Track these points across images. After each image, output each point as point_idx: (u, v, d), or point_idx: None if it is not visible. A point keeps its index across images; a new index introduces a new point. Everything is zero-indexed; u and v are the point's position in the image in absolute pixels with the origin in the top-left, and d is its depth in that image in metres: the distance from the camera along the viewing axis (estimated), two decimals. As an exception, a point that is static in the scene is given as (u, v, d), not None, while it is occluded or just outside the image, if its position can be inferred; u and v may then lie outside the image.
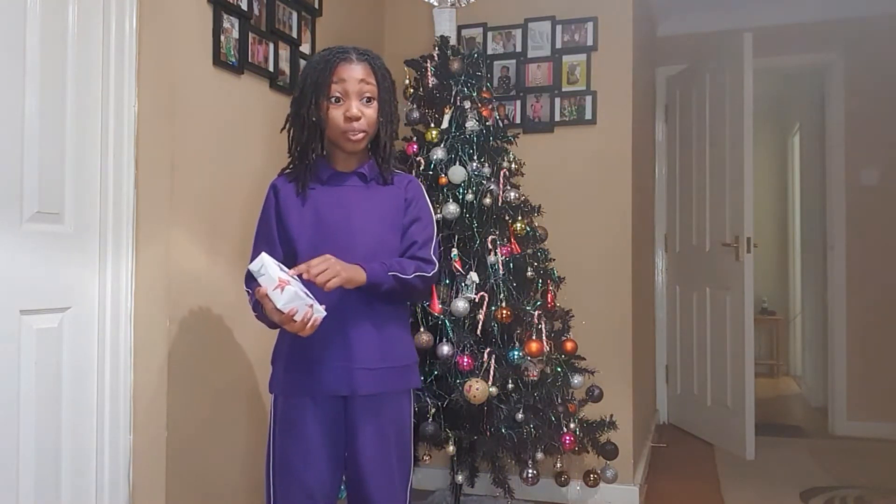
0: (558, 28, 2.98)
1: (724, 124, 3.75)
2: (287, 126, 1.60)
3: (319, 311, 1.41)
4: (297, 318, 1.37)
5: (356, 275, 1.46)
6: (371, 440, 1.55)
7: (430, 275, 1.59)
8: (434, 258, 1.62)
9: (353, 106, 1.51)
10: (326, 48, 1.57)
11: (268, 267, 1.37)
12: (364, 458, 1.55)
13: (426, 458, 2.40)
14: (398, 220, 1.61)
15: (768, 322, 6.16)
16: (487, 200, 2.37)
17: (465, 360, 2.21)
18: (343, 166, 1.61)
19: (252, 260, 1.46)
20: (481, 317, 2.28)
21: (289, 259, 1.55)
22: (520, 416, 2.27)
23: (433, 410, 2.25)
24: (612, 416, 2.50)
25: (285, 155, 2.35)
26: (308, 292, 1.40)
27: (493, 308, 2.30)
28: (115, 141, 1.69)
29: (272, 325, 1.48)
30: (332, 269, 1.41)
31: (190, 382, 1.90)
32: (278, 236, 1.59)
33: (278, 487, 1.57)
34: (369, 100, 1.54)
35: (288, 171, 1.63)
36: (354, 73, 1.52)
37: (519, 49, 3.02)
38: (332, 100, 1.52)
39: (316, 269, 1.40)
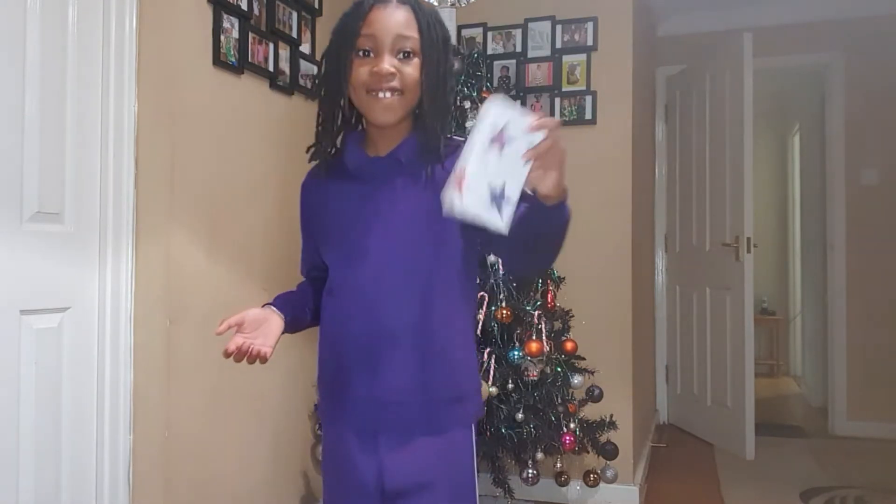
0: (558, 28, 2.98)
1: (724, 124, 3.75)
2: (316, 92, 1.26)
3: None
4: None
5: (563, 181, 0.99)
6: (413, 492, 1.18)
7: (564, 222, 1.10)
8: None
9: (385, 60, 1.15)
10: None
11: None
12: None
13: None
14: (445, 219, 1.09)
15: (768, 322, 6.16)
16: (487, 200, 2.37)
17: (465, 360, 2.21)
18: (377, 150, 1.23)
19: (301, 262, 1.33)
20: (481, 317, 2.28)
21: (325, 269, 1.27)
22: (520, 416, 2.27)
23: (433, 410, 2.25)
24: (612, 416, 2.50)
25: (285, 155, 2.35)
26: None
27: (493, 308, 2.30)
28: (115, 141, 1.69)
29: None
30: (556, 154, 0.94)
31: (190, 382, 1.90)
32: (315, 244, 1.31)
33: None
34: (408, 55, 1.17)
35: (314, 158, 1.28)
36: (390, 21, 1.16)
37: (519, 49, 3.02)
38: (360, 53, 1.17)
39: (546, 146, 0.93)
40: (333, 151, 1.24)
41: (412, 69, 1.17)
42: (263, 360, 1.15)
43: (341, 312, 1.21)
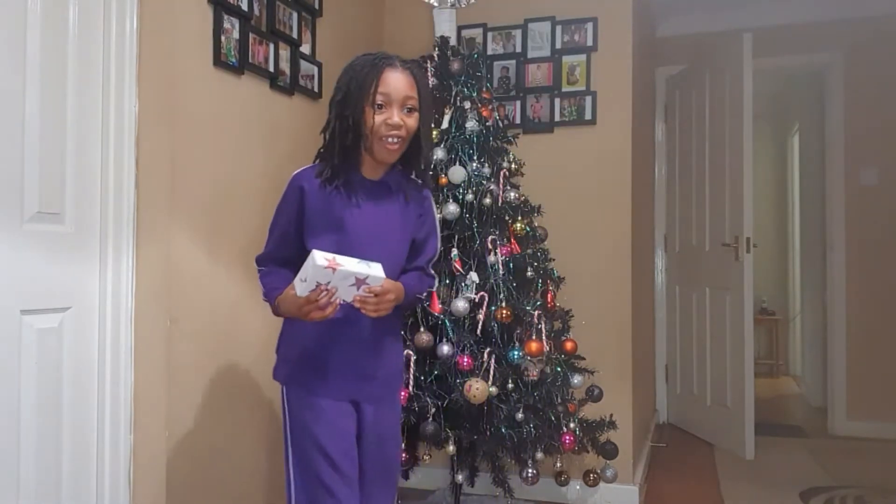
0: (558, 28, 2.98)
1: (723, 124, 3.75)
2: (328, 127, 1.59)
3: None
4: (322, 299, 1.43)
5: (398, 296, 1.56)
6: (375, 441, 1.64)
7: (433, 289, 1.86)
8: (434, 273, 1.77)
9: (395, 114, 1.52)
10: (368, 53, 1.58)
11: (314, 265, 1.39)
12: (369, 460, 1.64)
13: (426, 457, 2.41)
14: (409, 234, 1.66)
15: (768, 322, 6.17)
16: (487, 200, 2.37)
17: (465, 359, 2.21)
18: (370, 173, 1.61)
19: (267, 249, 1.61)
20: (481, 317, 2.28)
21: (300, 256, 1.50)
22: (520, 415, 2.27)
23: (433, 410, 2.25)
24: (612, 415, 2.50)
25: (285, 155, 2.36)
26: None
27: (493, 308, 2.30)
28: (116, 141, 1.69)
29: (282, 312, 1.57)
30: (385, 306, 1.50)
31: (190, 382, 1.90)
32: (294, 234, 1.58)
33: (300, 473, 1.58)
34: (411, 110, 1.55)
35: (320, 168, 1.59)
36: (399, 82, 1.53)
37: (519, 49, 3.02)
38: (376, 107, 1.52)
39: (373, 304, 1.47)
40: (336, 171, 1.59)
41: (413, 121, 1.56)
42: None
43: None
